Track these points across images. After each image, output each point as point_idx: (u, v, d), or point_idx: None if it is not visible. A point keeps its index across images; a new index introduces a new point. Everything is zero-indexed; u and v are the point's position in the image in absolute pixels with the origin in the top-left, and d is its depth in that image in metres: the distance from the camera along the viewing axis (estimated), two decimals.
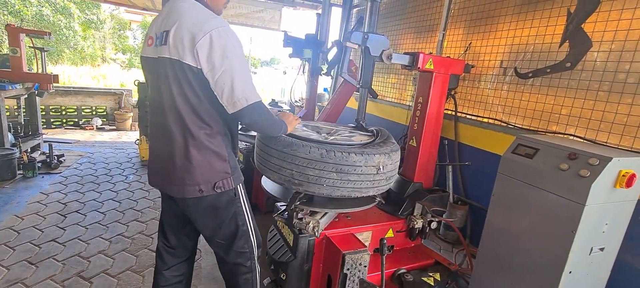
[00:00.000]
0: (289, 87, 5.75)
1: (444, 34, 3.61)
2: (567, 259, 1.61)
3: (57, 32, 14.27)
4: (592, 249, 1.67)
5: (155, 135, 1.39)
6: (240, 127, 1.64)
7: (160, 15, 1.32)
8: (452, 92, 3.24)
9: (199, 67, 1.19)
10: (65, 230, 2.70)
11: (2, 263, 2.23)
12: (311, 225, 1.70)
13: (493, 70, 3.12)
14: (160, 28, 1.26)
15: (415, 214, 2.14)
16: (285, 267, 1.85)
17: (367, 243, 2.04)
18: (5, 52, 3.87)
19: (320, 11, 4.42)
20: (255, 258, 1.53)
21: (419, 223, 2.11)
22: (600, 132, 2.25)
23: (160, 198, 3.38)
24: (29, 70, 3.98)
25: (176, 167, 1.29)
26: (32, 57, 4.19)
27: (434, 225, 2.11)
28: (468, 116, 3.36)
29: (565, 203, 1.61)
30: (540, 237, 1.72)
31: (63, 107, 6.47)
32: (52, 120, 6.37)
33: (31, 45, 3.84)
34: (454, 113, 3.33)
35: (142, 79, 5.12)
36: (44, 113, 6.26)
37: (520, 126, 2.84)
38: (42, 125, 6.38)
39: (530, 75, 2.67)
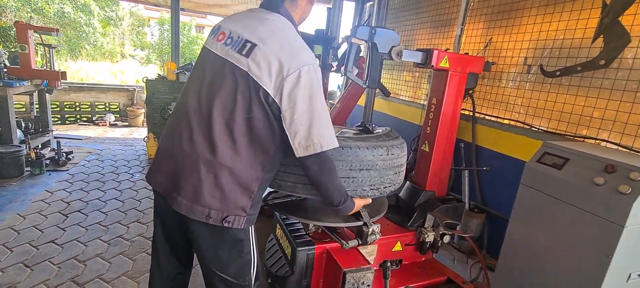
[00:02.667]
0: None
1: (462, 29, 3.37)
2: (601, 285, 1.41)
3: (78, 29, 14.63)
4: (630, 276, 1.46)
5: (182, 133, 1.19)
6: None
7: (242, 17, 1.23)
8: (470, 92, 3.01)
9: (276, 100, 1.09)
10: (65, 230, 2.66)
11: None
12: (376, 230, 1.62)
13: (516, 68, 2.87)
14: (242, 33, 1.15)
15: (426, 226, 1.95)
16: (282, 282, 1.72)
17: (372, 258, 1.88)
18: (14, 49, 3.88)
19: (331, 5, 4.25)
20: None
21: (430, 237, 1.93)
22: (638, 138, 2.00)
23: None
24: (42, 67, 4.00)
25: (198, 178, 1.12)
26: (48, 54, 4.21)
27: (446, 239, 1.93)
28: (487, 117, 3.12)
29: (601, 223, 1.39)
30: (570, 259, 1.51)
31: (77, 103, 6.56)
32: (66, 116, 6.47)
33: (41, 42, 3.84)
34: (471, 113, 3.10)
35: (152, 76, 5.11)
36: (58, 109, 6.36)
37: (545, 129, 2.59)
38: (57, 121, 6.52)
39: (558, 73, 2.42)
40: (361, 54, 3.83)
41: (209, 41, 1.24)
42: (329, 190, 1.25)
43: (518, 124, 2.81)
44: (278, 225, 1.92)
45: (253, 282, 1.36)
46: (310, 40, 4.49)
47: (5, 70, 3.48)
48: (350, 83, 3.84)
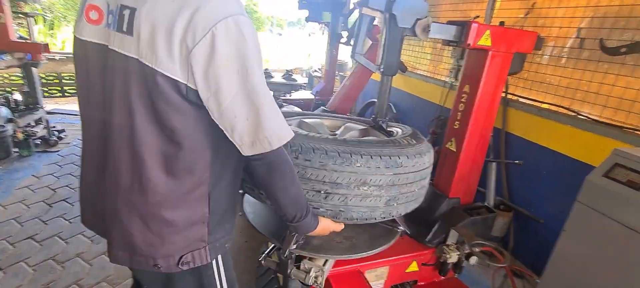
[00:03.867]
0: (315, 53, 5.16)
1: None
2: None
3: None
4: None
5: (90, 163, 0.87)
6: None
7: None
8: None
9: (191, 85, 0.70)
10: (47, 224, 2.45)
11: None
12: (312, 274, 1.22)
13: (564, 41, 2.36)
14: (117, 0, 0.73)
15: (448, 244, 1.61)
16: None
17: (381, 282, 1.56)
18: None
19: None
20: None
21: (453, 257, 1.59)
22: None
23: None
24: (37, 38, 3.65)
25: (123, 226, 0.81)
26: (27, 23, 3.86)
27: (473, 260, 1.59)
28: (521, 100, 2.66)
29: None
30: None
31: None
32: (66, 87, 6.22)
33: (19, 10, 3.48)
34: (503, 95, 2.64)
35: None
36: (57, 81, 6.10)
37: (597, 118, 2.14)
38: (57, 93, 6.28)
39: (623, 50, 1.93)
40: (375, 23, 3.34)
41: (80, 27, 0.79)
42: (279, 200, 0.89)
43: (561, 110, 2.36)
44: None
45: None
46: (318, 7, 3.99)
47: None
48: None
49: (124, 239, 0.81)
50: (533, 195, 2.53)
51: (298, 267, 1.25)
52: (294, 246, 1.15)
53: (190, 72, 0.69)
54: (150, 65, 0.68)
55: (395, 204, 1.17)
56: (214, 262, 0.92)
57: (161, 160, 0.76)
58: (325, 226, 1.09)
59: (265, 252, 1.31)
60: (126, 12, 0.70)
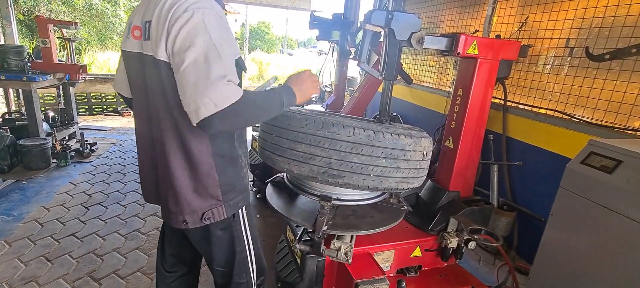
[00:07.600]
0: (322, 70, 5.44)
1: (493, 8, 3.05)
2: None
3: (105, 20, 15.09)
4: None
5: (142, 146, 1.17)
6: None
7: (144, 1, 1.06)
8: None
9: (170, 63, 0.95)
10: (85, 224, 2.71)
11: (21, 258, 2.26)
12: (343, 251, 1.42)
13: (555, 51, 2.56)
14: (143, 17, 1.01)
15: (449, 231, 1.78)
16: None
17: (388, 264, 1.74)
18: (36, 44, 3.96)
19: None
20: None
21: (453, 243, 1.76)
22: None
23: None
24: (75, 60, 4.08)
25: (163, 188, 1.11)
26: (68, 48, 4.29)
27: (472, 245, 1.75)
28: (520, 106, 2.84)
29: None
30: (619, 276, 1.31)
31: (103, 94, 6.74)
32: (93, 106, 6.68)
33: (62, 36, 3.90)
34: (502, 102, 2.83)
35: None
36: (85, 100, 6.56)
37: (588, 120, 2.30)
38: (85, 112, 6.74)
39: (607, 57, 2.11)
40: (381, 39, 3.61)
41: (127, 42, 1.08)
42: (260, 116, 1.04)
43: (556, 114, 2.53)
44: (288, 227, 1.82)
45: (255, 279, 1.32)
46: (327, 26, 4.29)
47: (29, 65, 3.56)
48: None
49: (165, 200, 1.11)
50: (534, 195, 2.67)
51: (328, 246, 1.43)
52: (325, 227, 1.33)
53: (168, 51, 0.93)
54: (155, 56, 0.96)
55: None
56: (240, 217, 1.18)
57: (174, 131, 1.02)
58: (303, 95, 1.13)
59: (298, 236, 1.53)
60: (147, 24, 0.98)
